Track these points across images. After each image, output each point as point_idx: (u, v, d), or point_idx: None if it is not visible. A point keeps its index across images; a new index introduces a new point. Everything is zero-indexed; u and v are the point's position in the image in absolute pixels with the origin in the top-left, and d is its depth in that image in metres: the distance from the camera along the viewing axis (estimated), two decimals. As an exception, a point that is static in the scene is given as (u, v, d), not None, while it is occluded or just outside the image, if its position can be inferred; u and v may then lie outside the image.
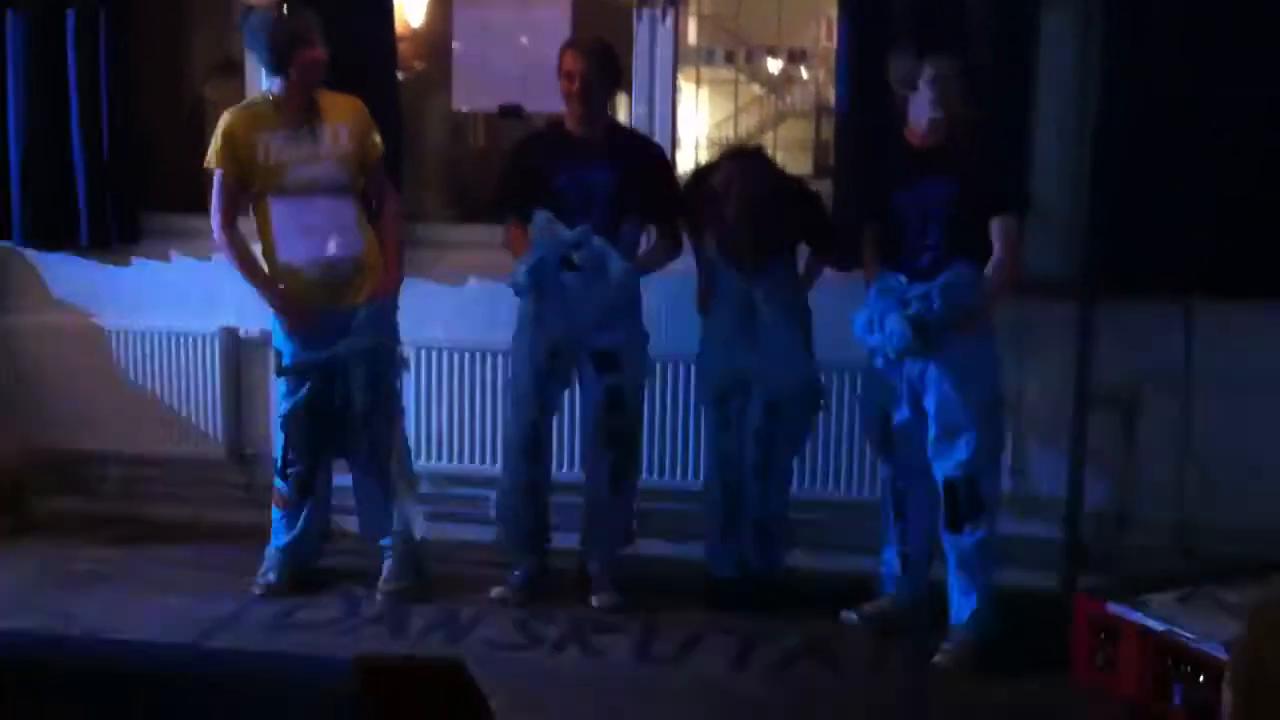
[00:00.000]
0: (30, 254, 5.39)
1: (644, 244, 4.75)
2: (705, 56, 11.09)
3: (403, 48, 5.87)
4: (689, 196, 4.65)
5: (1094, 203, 4.55)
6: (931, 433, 4.23)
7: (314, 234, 4.47)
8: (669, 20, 5.04)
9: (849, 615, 4.51)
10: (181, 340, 5.28)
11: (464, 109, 5.44)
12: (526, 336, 4.64)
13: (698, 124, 11.21)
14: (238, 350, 5.29)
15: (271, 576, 4.73)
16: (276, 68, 4.45)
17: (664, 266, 4.68)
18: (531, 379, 4.65)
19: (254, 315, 4.95)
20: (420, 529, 4.71)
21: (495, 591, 4.72)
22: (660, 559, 4.94)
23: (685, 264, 4.69)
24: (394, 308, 4.66)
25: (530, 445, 4.70)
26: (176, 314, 5.27)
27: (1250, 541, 4.37)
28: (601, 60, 4.52)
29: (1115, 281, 4.47)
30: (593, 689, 4.09)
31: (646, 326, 4.68)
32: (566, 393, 4.79)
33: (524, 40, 5.17)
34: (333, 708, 1.64)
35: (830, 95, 5.10)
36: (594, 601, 4.67)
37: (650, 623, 4.53)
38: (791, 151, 9.49)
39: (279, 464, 4.71)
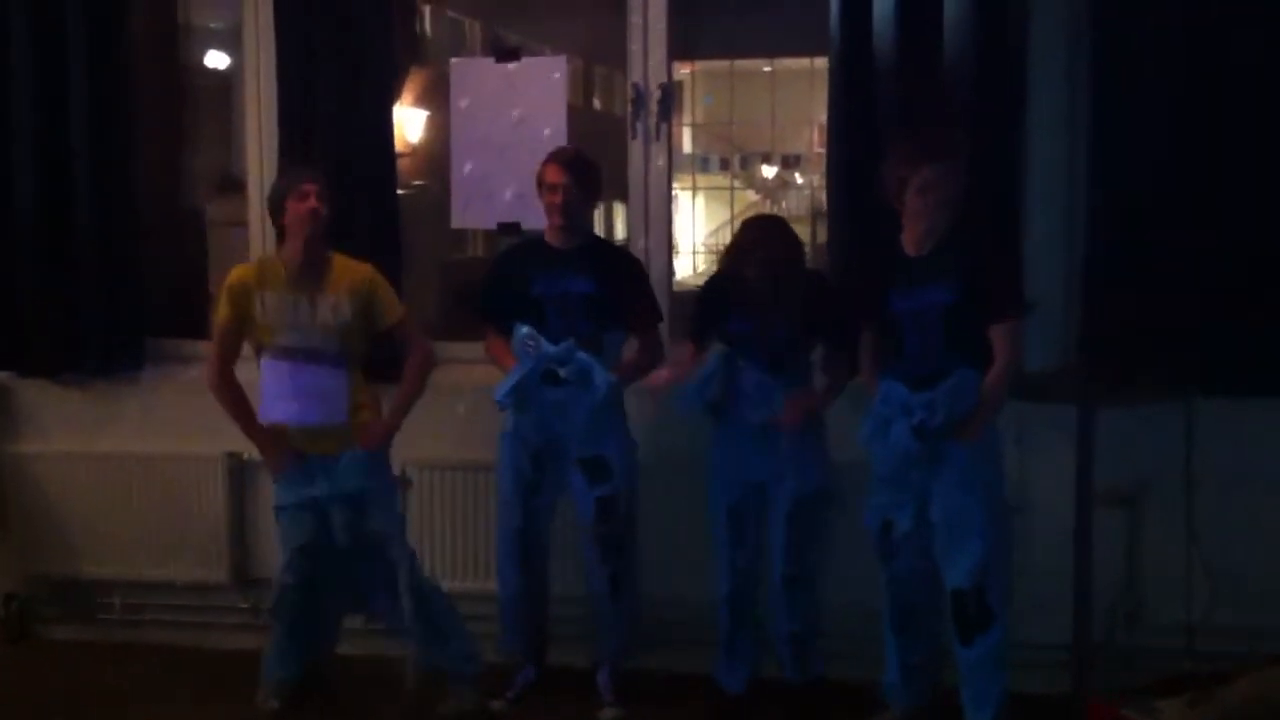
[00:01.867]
0: (33, 381, 5.41)
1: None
2: (700, 164, 11.20)
3: (403, 164, 5.93)
4: (726, 268, 4.57)
5: (1089, 299, 4.58)
6: (939, 540, 4.21)
7: (295, 399, 4.39)
8: (663, 132, 5.11)
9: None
10: (185, 464, 5.29)
11: (462, 226, 5.45)
12: (508, 446, 4.67)
13: (694, 232, 11.31)
14: (242, 474, 5.29)
15: (273, 701, 4.66)
16: (275, 224, 4.45)
17: (647, 374, 4.69)
18: (515, 488, 4.68)
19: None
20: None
21: (495, 704, 4.70)
22: (665, 670, 4.91)
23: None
24: (381, 456, 4.54)
25: (519, 554, 4.70)
26: (180, 438, 5.28)
27: (1261, 639, 4.33)
28: (581, 173, 4.57)
29: (1114, 380, 4.47)
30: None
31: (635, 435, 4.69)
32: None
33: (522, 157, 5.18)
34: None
35: (825, 200, 5.11)
36: (601, 715, 4.65)
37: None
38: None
39: (273, 602, 4.62)
